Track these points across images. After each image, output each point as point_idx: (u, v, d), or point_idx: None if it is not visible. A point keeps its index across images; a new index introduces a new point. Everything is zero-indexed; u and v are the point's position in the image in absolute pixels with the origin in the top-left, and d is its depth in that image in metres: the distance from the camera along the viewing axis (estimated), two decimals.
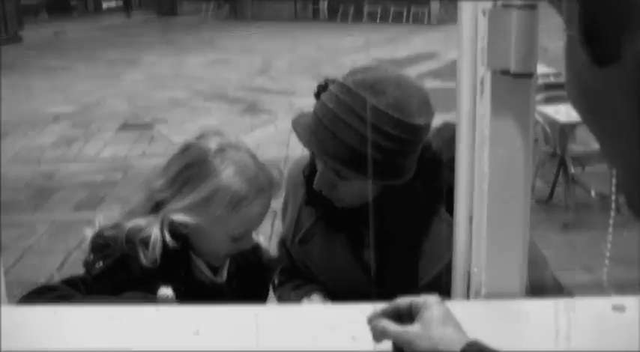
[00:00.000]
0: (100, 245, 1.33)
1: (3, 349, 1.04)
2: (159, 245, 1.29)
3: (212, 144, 1.34)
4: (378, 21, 18.53)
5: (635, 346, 0.95)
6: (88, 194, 5.82)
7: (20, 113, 9.12)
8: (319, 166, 1.37)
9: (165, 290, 1.25)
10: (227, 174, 1.30)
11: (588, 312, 1.15)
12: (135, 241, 1.30)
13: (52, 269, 4.34)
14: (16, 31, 16.81)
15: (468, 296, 1.23)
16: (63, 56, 14.24)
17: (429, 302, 0.95)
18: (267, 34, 16.45)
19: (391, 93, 1.26)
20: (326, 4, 19.61)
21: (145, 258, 1.29)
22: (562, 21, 0.47)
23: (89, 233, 1.37)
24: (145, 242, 1.30)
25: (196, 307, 1.25)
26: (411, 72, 11.70)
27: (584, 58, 0.44)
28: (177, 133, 7.75)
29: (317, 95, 1.34)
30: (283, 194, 1.57)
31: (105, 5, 20.96)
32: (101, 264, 1.31)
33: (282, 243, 1.62)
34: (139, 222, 1.32)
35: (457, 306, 1.18)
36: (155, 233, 1.29)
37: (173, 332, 1.12)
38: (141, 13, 21.38)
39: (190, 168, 1.32)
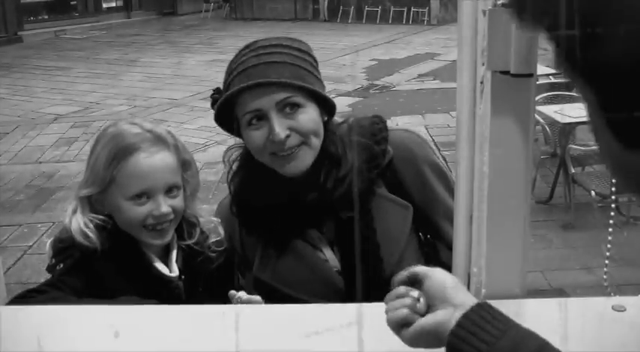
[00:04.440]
0: (60, 248, 1.41)
1: (2, 349, 1.04)
2: (81, 223, 1.39)
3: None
4: (378, 21, 18.51)
5: (635, 346, 0.95)
6: None
7: (20, 113, 9.12)
8: (274, 118, 1.33)
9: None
10: (102, 143, 1.44)
11: (588, 312, 1.15)
12: (75, 232, 1.39)
13: None
14: (16, 31, 16.80)
15: None
16: (63, 56, 14.24)
17: (429, 272, 0.92)
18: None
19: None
20: (326, 4, 19.58)
21: (89, 242, 1.37)
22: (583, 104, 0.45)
23: (48, 241, 1.47)
24: (80, 230, 1.40)
25: (196, 307, 1.25)
26: (411, 72, 11.70)
27: (614, 142, 0.43)
28: (177, 133, 7.73)
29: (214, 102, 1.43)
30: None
31: (105, 5, 20.90)
32: (62, 266, 1.39)
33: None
34: (69, 215, 1.43)
35: None
36: (76, 216, 1.41)
37: (174, 332, 1.12)
38: (141, 13, 21.35)
39: (90, 151, 1.48)
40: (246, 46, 1.40)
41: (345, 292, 1.43)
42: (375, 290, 1.42)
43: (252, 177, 1.45)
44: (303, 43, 1.44)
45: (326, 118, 1.41)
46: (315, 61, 1.43)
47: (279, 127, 1.31)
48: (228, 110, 1.39)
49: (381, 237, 1.43)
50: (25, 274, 4.28)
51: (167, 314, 1.23)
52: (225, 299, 1.46)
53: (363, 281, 1.41)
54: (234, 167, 1.48)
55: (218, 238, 1.53)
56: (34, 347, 1.08)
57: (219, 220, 1.57)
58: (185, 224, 1.50)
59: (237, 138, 1.44)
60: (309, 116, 1.35)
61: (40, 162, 6.97)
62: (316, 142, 1.37)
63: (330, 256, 1.46)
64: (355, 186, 1.39)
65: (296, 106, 1.33)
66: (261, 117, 1.33)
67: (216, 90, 1.43)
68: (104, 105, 9.61)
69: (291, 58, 1.36)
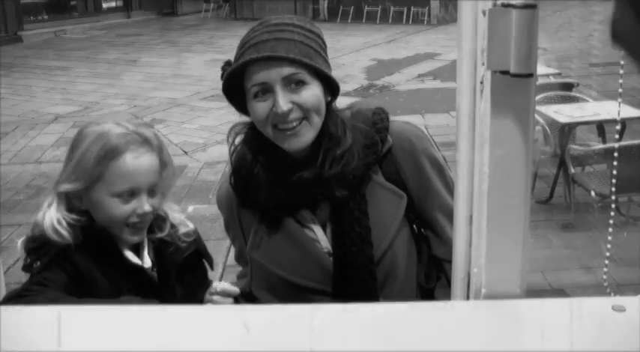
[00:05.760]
0: (33, 248, 1.43)
1: (3, 350, 1.04)
2: (54, 219, 1.41)
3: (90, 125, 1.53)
4: (378, 21, 18.53)
5: (635, 346, 0.95)
6: None
7: (20, 113, 9.13)
8: (279, 91, 1.37)
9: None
10: (88, 141, 1.46)
11: (588, 312, 1.15)
12: (47, 228, 1.40)
13: None
14: (16, 31, 16.81)
15: (467, 296, 1.23)
16: (63, 56, 14.25)
17: None
18: None
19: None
20: (326, 4, 19.60)
21: (60, 238, 1.39)
22: None
23: (19, 240, 1.48)
24: (53, 227, 1.41)
25: (197, 307, 1.25)
26: (411, 72, 11.71)
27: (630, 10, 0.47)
28: (176, 133, 7.76)
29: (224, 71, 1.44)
30: (223, 221, 1.63)
31: (105, 5, 20.93)
32: (38, 263, 1.41)
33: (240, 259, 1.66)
34: (43, 209, 1.44)
35: (457, 306, 1.18)
36: (50, 212, 1.43)
37: (174, 333, 1.12)
38: (141, 13, 21.37)
39: (71, 147, 1.48)
40: (260, 23, 1.44)
41: (333, 273, 1.46)
42: (362, 273, 1.45)
43: (252, 152, 1.48)
44: (314, 25, 1.47)
45: (329, 98, 1.45)
46: (324, 43, 1.47)
47: (283, 100, 1.36)
48: (236, 82, 1.42)
49: (373, 222, 1.46)
50: (25, 274, 4.29)
51: (168, 314, 1.23)
52: (196, 288, 1.51)
53: (352, 264, 1.45)
54: (236, 142, 1.52)
55: (187, 229, 1.58)
56: (34, 347, 1.08)
57: (185, 217, 1.63)
58: (155, 218, 1.55)
59: (243, 116, 1.48)
60: (312, 93, 1.38)
61: (40, 162, 6.98)
62: (317, 120, 1.41)
63: (321, 237, 1.49)
64: (350, 165, 1.43)
65: (301, 83, 1.38)
66: (267, 90, 1.37)
67: (227, 63, 1.45)
68: (104, 105, 9.62)
69: (301, 36, 1.40)
